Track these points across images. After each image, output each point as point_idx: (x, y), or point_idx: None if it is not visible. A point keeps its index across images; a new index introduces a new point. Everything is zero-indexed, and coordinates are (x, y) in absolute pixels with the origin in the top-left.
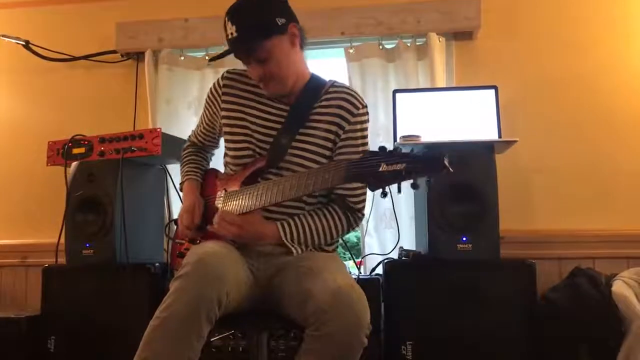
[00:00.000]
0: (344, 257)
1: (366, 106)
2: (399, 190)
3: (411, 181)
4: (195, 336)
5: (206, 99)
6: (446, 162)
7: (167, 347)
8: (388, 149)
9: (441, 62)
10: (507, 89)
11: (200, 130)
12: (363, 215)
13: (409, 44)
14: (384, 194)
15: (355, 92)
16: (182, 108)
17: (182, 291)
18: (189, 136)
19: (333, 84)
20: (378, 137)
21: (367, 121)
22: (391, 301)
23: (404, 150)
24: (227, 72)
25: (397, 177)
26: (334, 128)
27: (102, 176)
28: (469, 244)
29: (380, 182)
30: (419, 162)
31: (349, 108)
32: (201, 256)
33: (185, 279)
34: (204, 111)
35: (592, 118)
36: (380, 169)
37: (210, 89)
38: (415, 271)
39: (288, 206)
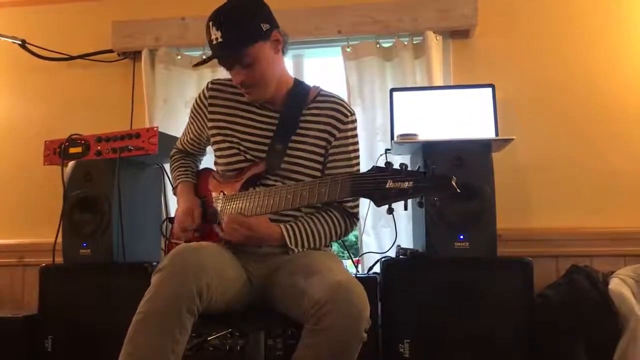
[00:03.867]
0: (342, 256)
1: (354, 114)
2: (405, 207)
3: (417, 199)
4: (178, 329)
5: (192, 110)
6: (454, 183)
7: (150, 341)
8: (394, 166)
9: (438, 61)
10: (504, 87)
11: (187, 140)
12: (358, 219)
13: (406, 43)
14: (390, 210)
15: (343, 100)
16: (179, 107)
17: (161, 285)
18: (175, 144)
19: (320, 92)
20: (376, 136)
21: (356, 128)
22: (389, 299)
23: (409, 168)
24: (212, 82)
25: (403, 195)
26: (325, 135)
27: (99, 175)
28: (466, 242)
29: (385, 198)
30: (426, 182)
31: (338, 117)
32: (179, 249)
33: (164, 273)
34: (190, 122)
35: (589, 116)
36: (387, 186)
37: (196, 99)
38: (412, 269)
39: (286, 214)
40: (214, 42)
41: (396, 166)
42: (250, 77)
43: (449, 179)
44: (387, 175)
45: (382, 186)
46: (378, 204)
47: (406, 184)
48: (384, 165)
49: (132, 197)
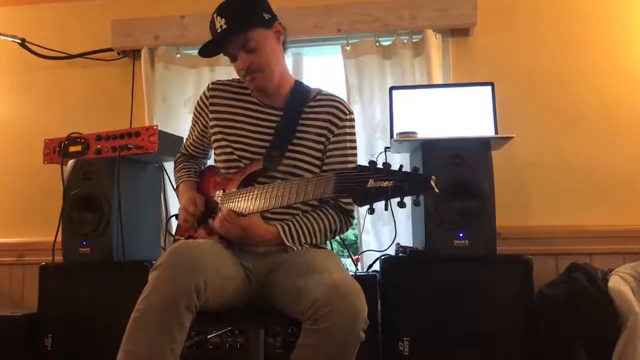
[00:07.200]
0: (342, 255)
1: (352, 113)
2: (386, 208)
3: (398, 199)
4: (176, 326)
5: (194, 111)
6: (432, 184)
7: (148, 339)
8: (378, 165)
9: (437, 59)
10: (503, 86)
11: (190, 143)
12: (354, 217)
13: (405, 41)
14: (371, 211)
15: (342, 99)
16: (178, 106)
17: (158, 282)
18: (180, 148)
19: (320, 91)
20: (375, 134)
21: (354, 127)
22: (388, 297)
23: (393, 167)
24: (213, 83)
25: (383, 195)
26: (324, 132)
27: (99, 174)
28: (466, 240)
29: (366, 198)
30: (406, 181)
31: (337, 114)
32: (176, 247)
33: (161, 270)
34: (193, 123)
35: (589, 114)
36: (368, 185)
37: (197, 101)
38: (412, 267)
39: (283, 212)
40: (219, 29)
41: (395, 166)
42: (256, 62)
43: (428, 179)
44: (369, 174)
45: (363, 185)
46: (360, 203)
47: (386, 183)
48: (367, 164)
49: (132, 196)
